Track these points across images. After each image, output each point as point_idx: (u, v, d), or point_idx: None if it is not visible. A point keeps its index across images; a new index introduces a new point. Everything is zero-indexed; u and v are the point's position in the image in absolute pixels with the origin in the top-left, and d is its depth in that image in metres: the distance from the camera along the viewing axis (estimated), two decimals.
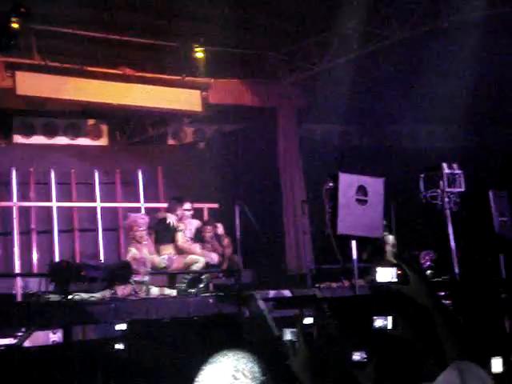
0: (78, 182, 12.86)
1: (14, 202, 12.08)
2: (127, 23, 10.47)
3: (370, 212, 9.00)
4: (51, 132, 13.18)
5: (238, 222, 9.67)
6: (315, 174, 11.25)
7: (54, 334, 8.25)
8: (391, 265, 2.88)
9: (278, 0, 10.48)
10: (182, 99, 12.09)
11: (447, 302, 5.90)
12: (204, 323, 7.97)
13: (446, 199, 9.55)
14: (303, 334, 2.93)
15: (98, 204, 12.89)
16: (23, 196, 12.30)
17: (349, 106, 12.89)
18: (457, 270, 9.31)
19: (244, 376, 2.10)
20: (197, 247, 10.71)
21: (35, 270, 11.95)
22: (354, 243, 8.95)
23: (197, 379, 2.13)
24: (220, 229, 10.98)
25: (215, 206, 12.87)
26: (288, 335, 2.95)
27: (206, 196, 12.83)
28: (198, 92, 12.07)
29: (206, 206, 12.74)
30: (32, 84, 10.79)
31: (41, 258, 12.03)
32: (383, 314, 3.65)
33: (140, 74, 11.58)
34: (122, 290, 9.33)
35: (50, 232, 12.40)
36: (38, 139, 13.06)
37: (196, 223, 11.05)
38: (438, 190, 9.64)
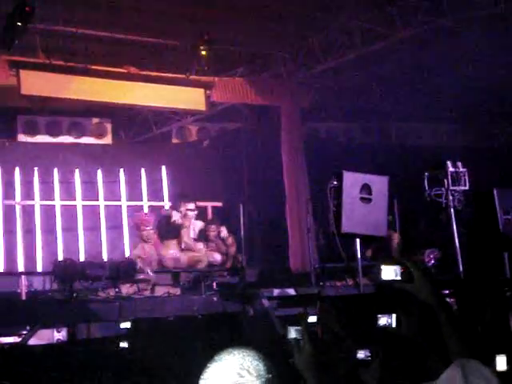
0: (82, 180, 12.88)
1: (18, 201, 12.10)
2: (132, 22, 10.46)
3: (374, 210, 8.98)
4: (55, 131, 13.20)
5: (242, 220, 9.68)
6: (319, 173, 11.24)
7: (59, 332, 8.27)
8: (396, 263, 2.88)
9: None
10: (186, 98, 12.09)
11: (451, 300, 5.90)
12: (208, 321, 7.98)
13: (451, 197, 9.52)
14: (308, 332, 2.93)
15: (102, 202, 12.91)
16: (27, 194, 12.32)
17: (353, 104, 12.89)
18: (461, 269, 9.29)
19: (249, 374, 2.11)
20: (200, 246, 10.72)
21: (39, 268, 11.97)
22: (358, 242, 8.94)
23: (202, 377, 2.13)
24: (224, 232, 11.00)
25: (219, 204, 12.88)
26: (292, 333, 2.94)
27: (210, 195, 12.85)
28: (202, 90, 12.07)
29: (210, 204, 12.75)
30: (36, 83, 10.79)
31: (45, 256, 12.06)
32: (387, 312, 3.64)
33: (144, 72, 11.59)
34: (126, 289, 9.34)
35: (53, 230, 12.42)
36: (42, 138, 13.09)
37: (200, 224, 11.07)
38: (443, 189, 9.61)
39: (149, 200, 13.15)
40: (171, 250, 10.29)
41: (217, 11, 10.25)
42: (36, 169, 12.42)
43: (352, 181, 8.96)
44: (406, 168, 11.88)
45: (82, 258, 12.06)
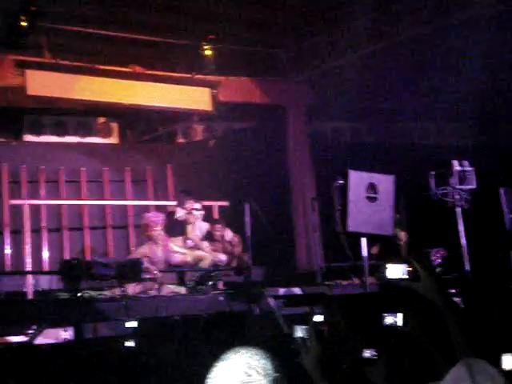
0: (88, 180, 12.90)
1: (25, 200, 12.12)
2: (137, 21, 10.48)
3: (380, 209, 8.98)
4: (61, 130, 13.22)
5: (247, 219, 9.68)
6: (325, 172, 11.25)
7: (65, 331, 8.27)
8: (403, 261, 2.88)
9: None
10: (193, 98, 12.09)
11: (457, 299, 5.89)
12: (214, 321, 7.98)
13: (457, 196, 9.51)
14: (314, 331, 2.93)
15: (108, 202, 12.93)
16: (33, 194, 12.35)
17: (359, 103, 12.87)
18: (467, 268, 9.28)
19: (257, 373, 2.11)
20: (206, 244, 10.75)
21: (46, 267, 12.00)
22: (364, 241, 8.93)
23: (209, 376, 2.13)
24: (228, 235, 11.01)
25: (225, 203, 12.88)
26: (299, 332, 2.94)
27: (216, 194, 12.85)
28: (208, 90, 12.07)
29: (216, 203, 12.76)
30: (42, 84, 10.81)
31: (51, 255, 12.08)
32: (393, 311, 3.64)
33: (150, 71, 11.59)
34: (132, 288, 9.36)
35: (60, 230, 12.45)
36: (49, 138, 13.11)
37: (205, 226, 11.08)
38: (449, 188, 9.60)
39: (155, 199, 13.16)
40: (177, 247, 10.31)
41: (223, 11, 10.25)
42: (42, 168, 12.44)
43: (358, 180, 8.95)
44: (412, 167, 11.86)
45: (88, 258, 12.07)
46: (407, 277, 2.88)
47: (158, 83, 11.72)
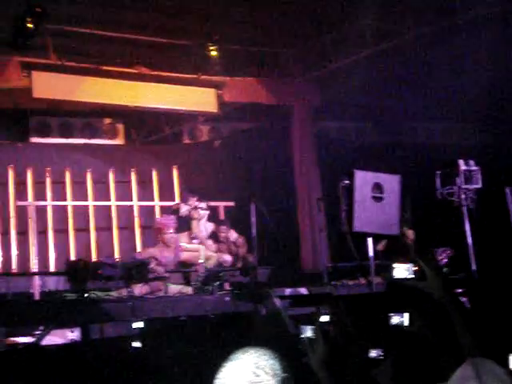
0: (94, 181, 12.93)
1: (31, 202, 12.15)
2: (143, 22, 10.49)
3: (386, 209, 8.97)
4: (67, 132, 13.24)
5: (253, 220, 9.68)
6: (331, 172, 11.25)
7: (72, 332, 8.29)
8: (409, 261, 2.88)
9: None
10: (198, 99, 12.09)
11: (464, 298, 5.88)
12: (220, 321, 7.99)
13: (463, 196, 9.50)
14: (321, 331, 2.93)
15: (114, 203, 12.96)
16: (40, 195, 12.37)
17: (364, 103, 12.87)
18: (474, 267, 9.27)
19: (265, 373, 2.11)
20: (210, 242, 10.80)
21: (52, 268, 12.02)
22: (370, 240, 8.93)
23: (218, 376, 2.13)
24: (233, 236, 11.03)
25: (231, 204, 12.88)
26: (306, 333, 2.95)
27: (222, 194, 12.86)
28: (213, 90, 12.07)
29: (221, 204, 12.76)
30: (48, 86, 10.82)
31: (57, 256, 12.11)
32: (400, 310, 3.64)
33: (156, 72, 11.60)
34: (139, 289, 9.37)
35: (66, 231, 12.47)
36: (55, 139, 13.13)
37: (211, 227, 11.12)
38: (455, 187, 9.60)
39: (160, 200, 13.18)
40: (183, 243, 10.35)
41: (228, 11, 10.26)
42: (48, 169, 12.47)
43: (363, 180, 8.95)
44: (418, 167, 11.85)
45: (94, 258, 12.09)
46: (414, 276, 2.88)
47: (164, 84, 11.73)
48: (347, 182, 9.00)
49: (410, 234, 10.99)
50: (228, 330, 7.34)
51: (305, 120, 12.87)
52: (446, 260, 10.30)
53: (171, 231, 10.09)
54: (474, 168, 9.67)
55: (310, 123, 12.99)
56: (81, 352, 7.14)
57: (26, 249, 11.93)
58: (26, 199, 12.18)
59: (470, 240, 9.42)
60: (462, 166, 9.63)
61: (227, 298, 9.09)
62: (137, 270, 9.29)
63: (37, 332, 8.05)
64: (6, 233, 12.04)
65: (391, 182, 9.12)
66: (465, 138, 15.08)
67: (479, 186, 9.64)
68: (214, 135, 14.31)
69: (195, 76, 11.77)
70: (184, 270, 10.39)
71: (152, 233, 12.71)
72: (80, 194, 12.81)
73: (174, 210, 11.01)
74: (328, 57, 11.87)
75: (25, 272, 11.69)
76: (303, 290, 9.31)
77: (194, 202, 10.85)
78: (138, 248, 12.55)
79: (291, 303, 8.88)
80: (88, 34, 10.43)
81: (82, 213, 12.70)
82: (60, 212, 12.54)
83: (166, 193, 13.32)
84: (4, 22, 9.68)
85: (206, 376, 2.27)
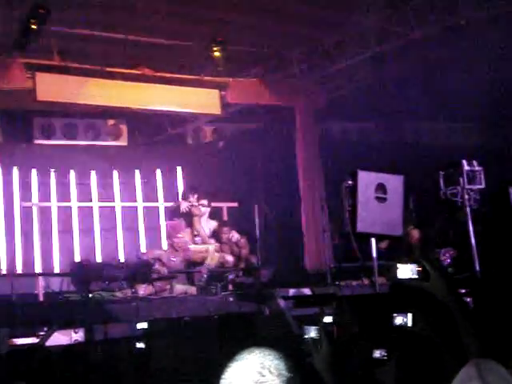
0: (98, 181, 12.95)
1: (35, 203, 12.18)
2: (146, 24, 10.50)
3: (389, 210, 8.99)
4: (71, 133, 13.26)
5: (257, 220, 9.69)
6: (334, 172, 11.25)
7: (76, 333, 8.31)
8: (412, 261, 2.88)
9: None
10: (201, 100, 12.08)
11: (468, 299, 5.89)
12: (224, 322, 8.00)
13: (466, 196, 9.50)
14: (325, 331, 2.94)
15: (118, 204, 12.98)
16: (44, 196, 12.40)
17: (367, 103, 12.86)
18: (477, 268, 9.27)
19: (270, 373, 2.12)
20: (212, 241, 10.82)
21: (56, 269, 12.04)
22: (373, 241, 8.94)
23: (223, 376, 2.14)
24: (235, 236, 11.04)
25: (234, 205, 12.90)
26: (310, 333, 2.96)
27: (226, 195, 12.87)
28: (216, 91, 12.08)
29: (225, 205, 12.78)
30: (52, 88, 10.82)
31: (62, 257, 12.13)
32: (403, 311, 3.65)
33: (159, 74, 11.61)
34: (144, 289, 9.39)
35: (70, 232, 12.50)
36: (58, 140, 13.15)
37: (214, 224, 11.14)
38: (458, 187, 9.60)
39: (164, 201, 13.20)
40: (191, 246, 10.40)
41: (231, 12, 10.26)
42: (52, 170, 12.49)
43: (367, 180, 8.97)
44: (421, 167, 11.84)
45: (98, 259, 12.12)
46: (417, 277, 2.89)
47: (167, 85, 11.73)
48: (350, 182, 9.02)
49: (415, 233, 10.99)
50: (232, 331, 7.35)
51: (308, 121, 12.86)
52: (449, 260, 10.31)
53: (181, 235, 10.12)
54: (478, 168, 9.67)
55: (313, 124, 12.98)
56: (84, 353, 7.16)
57: (30, 250, 11.95)
58: (31, 200, 12.21)
59: (473, 240, 9.42)
60: (466, 167, 9.63)
61: (231, 299, 9.11)
62: (140, 271, 9.31)
63: (41, 333, 8.07)
64: (11, 234, 12.06)
65: (394, 183, 9.13)
66: (468, 138, 15.07)
67: (482, 186, 9.64)
68: (217, 136, 14.32)
69: (198, 77, 11.78)
70: (187, 270, 10.41)
71: (156, 233, 12.79)
72: (84, 194, 12.83)
73: (175, 208, 11.07)
74: (331, 58, 11.87)
75: (29, 273, 11.72)
76: (307, 291, 9.33)
77: (194, 198, 10.92)
78: (143, 249, 12.57)
79: (295, 304, 8.89)
80: (91, 35, 10.44)
81: (86, 214, 12.73)
82: (64, 213, 12.56)
83: (170, 193, 13.34)
84: (8, 24, 9.69)
85: (210, 376, 2.28)
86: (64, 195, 12.62)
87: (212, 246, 10.59)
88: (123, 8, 9.95)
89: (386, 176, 9.16)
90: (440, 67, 11.90)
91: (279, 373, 2.12)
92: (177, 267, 10.07)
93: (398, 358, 3.33)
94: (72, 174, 12.68)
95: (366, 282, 9.76)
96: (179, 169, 13.53)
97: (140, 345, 7.06)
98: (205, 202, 11.04)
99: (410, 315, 3.57)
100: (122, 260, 11.99)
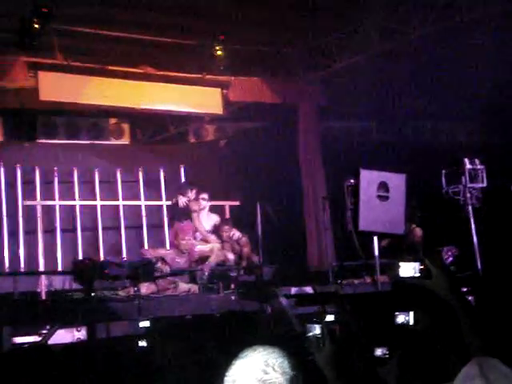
0: (101, 180, 12.97)
1: (38, 201, 12.20)
2: (148, 22, 10.50)
3: (391, 208, 8.99)
4: (74, 132, 13.28)
5: (259, 219, 9.70)
6: (336, 171, 11.25)
7: (78, 331, 8.33)
8: (414, 259, 2.89)
9: None
10: (203, 99, 12.09)
11: (470, 297, 5.90)
12: (226, 320, 8.00)
13: (468, 195, 9.51)
14: (327, 330, 2.95)
15: (121, 202, 12.99)
16: (47, 195, 12.42)
17: (369, 102, 12.86)
18: (479, 266, 9.27)
19: (274, 371, 2.13)
20: (213, 237, 10.82)
21: (59, 268, 12.06)
22: (375, 239, 8.95)
23: (227, 373, 2.15)
24: (235, 235, 11.04)
25: (237, 203, 12.91)
26: (312, 331, 2.96)
27: (228, 193, 12.88)
28: (218, 90, 12.08)
29: (227, 203, 12.79)
30: (55, 87, 10.83)
31: (64, 256, 12.15)
32: (405, 309, 3.66)
33: (161, 72, 11.62)
34: (146, 288, 9.40)
35: (73, 230, 12.52)
36: (61, 139, 13.17)
37: (215, 219, 11.14)
38: (460, 186, 9.60)
39: (167, 200, 13.21)
40: (187, 236, 10.40)
41: (232, 11, 10.26)
42: (56, 169, 12.52)
43: (369, 179, 8.97)
44: (423, 166, 11.84)
45: (101, 258, 12.13)
46: (419, 275, 2.89)
47: (169, 84, 11.73)
48: (353, 181, 9.02)
49: (418, 231, 10.99)
50: (234, 330, 7.36)
51: (310, 119, 12.86)
52: (451, 259, 10.32)
53: (187, 237, 10.13)
54: (480, 167, 9.67)
55: (315, 122, 12.98)
56: (87, 351, 7.16)
57: (33, 248, 11.97)
58: (34, 199, 12.23)
59: (475, 239, 9.43)
60: (468, 165, 9.63)
61: (233, 297, 9.12)
62: (143, 270, 9.32)
63: (43, 331, 8.09)
64: (14, 232, 12.08)
65: (397, 181, 9.13)
66: (470, 136, 15.07)
67: (484, 184, 9.65)
68: (219, 135, 14.33)
69: (200, 76, 11.78)
70: (189, 268, 10.41)
71: (159, 232, 12.80)
72: (87, 193, 12.86)
73: (174, 203, 11.09)
74: (333, 56, 11.87)
75: (32, 271, 11.74)
76: (309, 289, 9.34)
77: (193, 194, 10.92)
78: (145, 247, 12.57)
79: (297, 302, 8.90)
80: (94, 33, 10.44)
81: (89, 212, 12.75)
82: (67, 211, 12.59)
83: (173, 192, 13.35)
84: (10, 23, 9.70)
85: (213, 375, 2.29)
86: (67, 194, 12.65)
87: (217, 245, 10.59)
88: (126, 6, 9.96)
89: (389, 174, 9.16)
90: (442, 66, 11.89)
91: (283, 371, 2.13)
92: (180, 268, 10.08)
93: (400, 357, 3.34)
94: (75, 172, 12.70)
95: (368, 280, 9.78)
96: (181, 167, 13.54)
97: (142, 343, 7.07)
98: (205, 195, 11.03)
99: (412, 313, 3.58)
100: (125, 258, 12.00)
